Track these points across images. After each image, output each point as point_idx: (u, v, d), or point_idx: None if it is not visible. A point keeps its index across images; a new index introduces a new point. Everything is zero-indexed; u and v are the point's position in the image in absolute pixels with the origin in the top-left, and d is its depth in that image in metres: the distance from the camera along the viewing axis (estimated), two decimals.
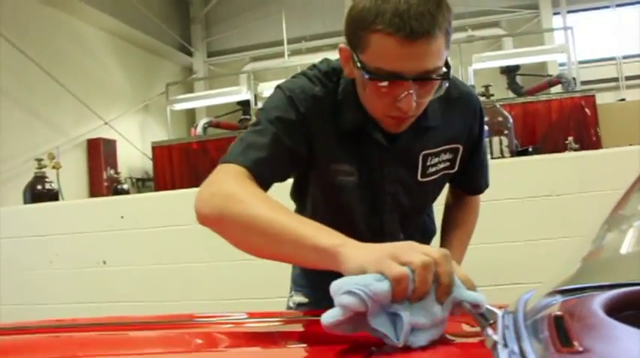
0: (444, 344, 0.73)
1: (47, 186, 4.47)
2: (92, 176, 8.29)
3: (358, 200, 1.24)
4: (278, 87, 1.18)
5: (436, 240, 1.51)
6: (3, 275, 3.31)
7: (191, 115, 11.17)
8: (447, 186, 1.42)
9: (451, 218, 1.47)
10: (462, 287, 0.72)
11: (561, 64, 9.43)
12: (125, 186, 7.72)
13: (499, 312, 0.68)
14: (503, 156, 4.08)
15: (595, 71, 9.89)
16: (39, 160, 4.77)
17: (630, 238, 0.71)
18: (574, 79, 7.87)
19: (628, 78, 9.87)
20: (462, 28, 10.00)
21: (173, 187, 7.05)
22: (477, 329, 0.70)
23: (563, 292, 0.66)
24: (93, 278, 3.24)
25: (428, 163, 1.23)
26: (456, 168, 1.29)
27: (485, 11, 10.30)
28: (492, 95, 7.25)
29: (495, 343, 0.61)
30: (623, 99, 7.73)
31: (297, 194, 1.36)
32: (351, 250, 0.77)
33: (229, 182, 1.01)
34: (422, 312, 0.69)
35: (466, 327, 0.83)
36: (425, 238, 1.48)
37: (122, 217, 3.19)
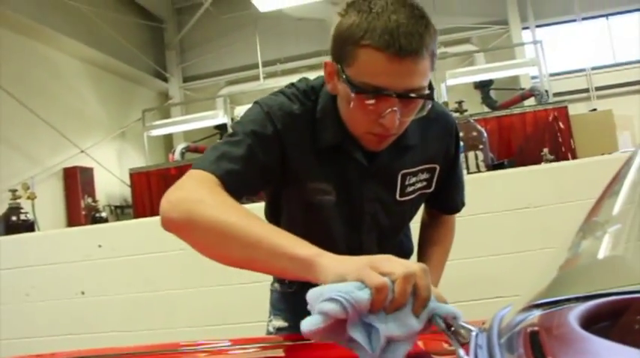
0: None
1: (22, 216, 4.41)
2: (69, 205, 8.19)
3: (337, 219, 1.23)
4: (256, 102, 1.17)
5: (413, 258, 1.51)
6: None
7: (168, 141, 11.13)
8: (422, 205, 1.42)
9: (428, 237, 1.47)
10: (436, 301, 0.71)
11: (533, 77, 9.61)
12: (103, 214, 7.64)
13: (473, 330, 0.67)
14: (479, 171, 4.11)
15: (566, 83, 10.10)
16: (13, 191, 4.70)
17: (605, 245, 0.72)
18: (546, 91, 8.01)
19: (598, 88, 10.09)
20: None
21: (152, 213, 6.98)
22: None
23: (538, 306, 0.66)
24: (71, 309, 3.17)
25: (406, 183, 1.23)
26: (433, 188, 1.29)
27: (456, 28, 10.47)
28: (466, 110, 7.33)
29: None
30: (594, 110, 7.88)
31: (271, 212, 1.34)
32: (329, 260, 0.76)
33: (200, 188, 0.99)
34: (397, 323, 0.68)
35: (446, 346, 0.83)
36: (402, 257, 1.47)
37: (100, 246, 3.14)
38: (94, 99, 9.37)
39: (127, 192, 8.93)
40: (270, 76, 10.70)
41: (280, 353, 1.04)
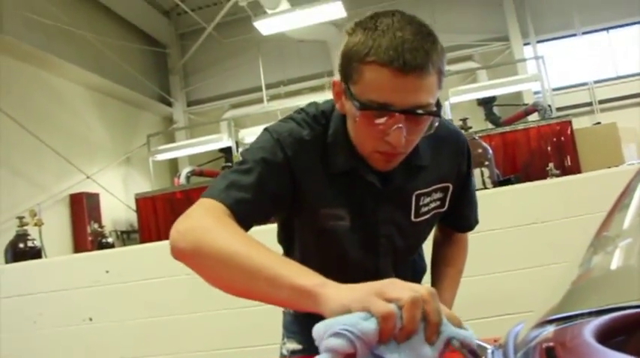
0: None
1: (29, 243, 4.40)
2: (76, 231, 8.21)
3: (352, 244, 1.21)
4: (266, 129, 1.17)
5: (426, 276, 1.50)
6: None
7: (174, 165, 11.18)
8: None
9: (441, 256, 1.46)
10: (450, 325, 0.68)
11: (536, 92, 9.64)
12: (110, 240, 7.63)
13: (489, 348, 0.67)
14: (485, 188, 4.10)
15: (569, 97, 10.12)
16: (20, 218, 4.70)
17: (617, 259, 0.71)
18: (549, 106, 8.02)
19: (601, 101, 10.10)
20: None
21: (159, 238, 6.98)
22: None
23: (552, 321, 0.65)
24: (79, 336, 3.16)
25: (420, 203, 1.21)
26: (446, 207, 1.28)
27: (458, 46, 10.54)
28: (470, 128, 7.33)
29: None
30: (598, 123, 7.88)
31: (284, 239, 1.33)
32: (332, 290, 0.73)
33: (208, 217, 0.98)
34: (410, 353, 0.65)
35: None
36: (416, 276, 1.46)
37: (107, 272, 3.14)
38: (98, 125, 9.44)
39: (133, 217, 8.94)
40: (273, 98, 10.76)
41: None
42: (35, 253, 4.36)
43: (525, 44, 10.60)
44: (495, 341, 0.72)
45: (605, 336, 0.56)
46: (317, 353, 0.67)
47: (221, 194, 1.04)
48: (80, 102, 9.06)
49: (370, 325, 0.64)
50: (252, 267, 0.85)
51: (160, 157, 9.45)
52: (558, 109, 8.66)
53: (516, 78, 8.91)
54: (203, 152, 9.50)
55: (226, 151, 9.21)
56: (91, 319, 3.15)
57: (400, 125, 0.98)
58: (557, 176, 5.08)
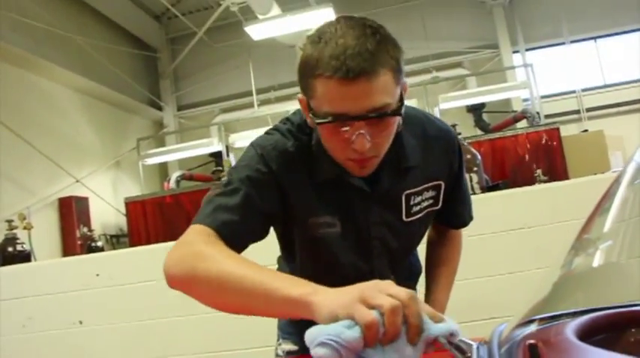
0: None
1: (19, 247, 4.39)
2: (65, 235, 8.17)
3: (345, 249, 1.22)
4: (251, 144, 1.18)
5: (422, 277, 1.51)
6: None
7: (163, 169, 11.15)
8: None
9: (435, 256, 1.47)
10: (431, 323, 0.72)
11: (525, 100, 9.73)
12: (99, 244, 7.62)
13: (474, 344, 0.69)
14: (474, 193, 4.14)
15: (557, 105, 10.22)
16: (9, 221, 4.69)
17: (596, 261, 0.74)
18: (538, 113, 8.10)
19: (589, 109, 10.20)
20: (426, 69, 10.28)
21: (148, 242, 6.97)
22: None
23: (535, 321, 0.68)
24: (69, 339, 3.15)
25: (411, 203, 1.22)
26: (440, 205, 1.29)
27: (447, 53, 10.63)
28: (459, 134, 7.40)
29: None
30: (586, 130, 7.96)
31: (285, 249, 1.35)
32: (322, 297, 0.76)
33: (198, 243, 1.00)
34: (395, 355, 0.69)
35: None
36: (412, 277, 1.48)
37: (98, 275, 3.14)
38: (88, 129, 9.41)
39: (122, 221, 8.91)
40: (264, 103, 10.78)
41: None
42: (24, 256, 4.36)
43: (514, 52, 10.71)
44: (482, 339, 0.75)
45: (585, 335, 0.59)
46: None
47: (207, 218, 1.06)
48: (70, 106, 9.02)
49: (354, 333, 0.68)
50: (246, 286, 0.87)
51: (150, 161, 9.44)
52: (546, 117, 8.75)
53: (505, 85, 9.00)
54: (193, 156, 9.49)
55: (216, 156, 9.20)
56: (81, 322, 3.15)
57: (362, 131, 0.98)
58: (545, 182, 5.14)
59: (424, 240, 1.46)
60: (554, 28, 10.57)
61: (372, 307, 0.69)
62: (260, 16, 8.17)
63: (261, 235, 1.14)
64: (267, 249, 1.32)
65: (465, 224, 1.45)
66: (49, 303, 3.20)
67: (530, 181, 5.78)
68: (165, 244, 3.27)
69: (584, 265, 0.75)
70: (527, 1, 10.70)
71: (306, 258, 1.26)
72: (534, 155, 6.82)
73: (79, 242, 7.94)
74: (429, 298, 1.41)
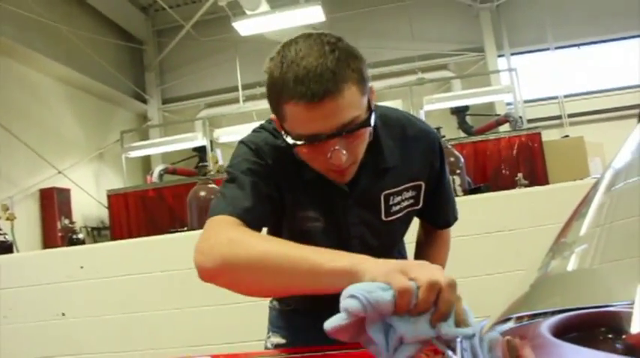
0: None
1: (1, 238, 4.36)
2: (46, 226, 8.10)
3: (326, 244, 1.23)
4: (241, 142, 1.21)
5: None
6: None
7: (147, 162, 11.09)
8: (417, 223, 1.46)
9: (423, 254, 1.49)
10: (452, 322, 0.73)
11: (508, 104, 9.84)
12: (81, 236, 7.56)
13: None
14: (457, 195, 4.20)
15: (540, 110, 10.34)
16: None
17: (572, 264, 0.78)
18: (520, 117, 8.21)
19: (570, 115, 10.34)
20: (411, 71, 10.35)
21: (130, 235, 6.95)
22: None
23: (514, 319, 0.72)
24: (52, 331, 3.16)
25: (390, 203, 1.25)
26: (421, 204, 1.31)
27: (433, 54, 10.70)
28: (443, 136, 7.47)
29: None
30: (567, 136, 8.08)
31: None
32: (368, 265, 0.79)
33: (225, 231, 1.00)
34: (413, 326, 0.71)
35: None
36: None
37: (82, 267, 3.15)
38: (71, 120, 9.33)
39: (104, 213, 8.86)
40: (249, 98, 10.76)
41: None
42: (7, 247, 4.33)
43: (500, 56, 10.81)
44: None
45: (559, 332, 0.64)
46: (300, 346, 0.73)
47: (227, 208, 1.07)
48: (53, 96, 8.94)
49: (385, 296, 0.70)
50: (288, 264, 0.88)
51: (133, 154, 9.39)
52: (529, 121, 8.87)
53: (489, 88, 9.09)
54: (177, 150, 9.46)
55: (200, 150, 9.18)
56: (63, 314, 3.15)
57: (336, 147, 1.01)
58: (526, 186, 5.22)
59: (412, 239, 1.49)
60: (539, 34, 10.69)
61: (410, 279, 0.72)
62: (248, 12, 8.15)
63: (269, 222, 1.18)
64: None
65: (449, 224, 1.47)
66: (31, 295, 3.20)
67: (511, 185, 5.85)
68: (151, 238, 3.29)
69: (560, 268, 0.79)
70: (513, 7, 10.81)
71: None
72: (516, 159, 6.91)
73: (60, 234, 7.88)
74: None
